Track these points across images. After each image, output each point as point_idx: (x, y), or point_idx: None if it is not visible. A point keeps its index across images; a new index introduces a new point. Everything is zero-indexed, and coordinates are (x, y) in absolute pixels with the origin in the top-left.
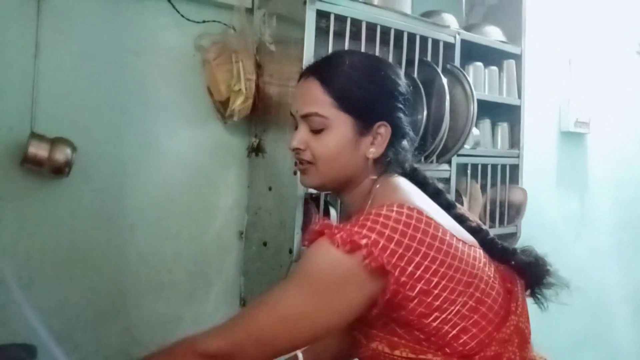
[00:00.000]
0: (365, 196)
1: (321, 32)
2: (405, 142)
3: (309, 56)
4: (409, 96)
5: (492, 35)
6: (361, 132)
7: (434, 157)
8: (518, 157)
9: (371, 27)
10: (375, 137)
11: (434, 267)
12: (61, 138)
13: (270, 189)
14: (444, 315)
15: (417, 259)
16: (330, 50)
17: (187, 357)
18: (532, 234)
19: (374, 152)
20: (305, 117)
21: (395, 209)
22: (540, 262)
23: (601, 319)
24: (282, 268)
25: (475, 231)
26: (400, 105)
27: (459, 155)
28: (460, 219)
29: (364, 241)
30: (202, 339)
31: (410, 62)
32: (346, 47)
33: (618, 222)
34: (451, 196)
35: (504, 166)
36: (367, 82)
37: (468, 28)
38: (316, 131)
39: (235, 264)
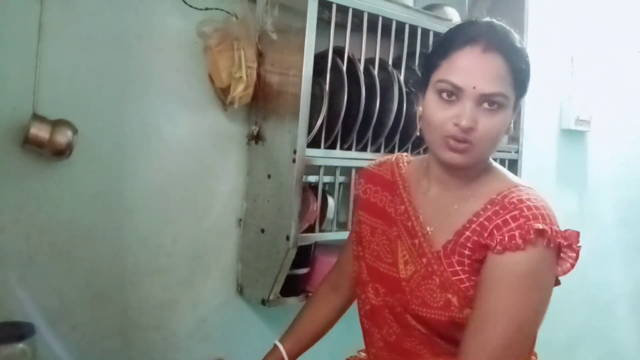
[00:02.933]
0: (479, 171)
1: (322, 23)
2: None
3: (310, 46)
4: None
5: None
6: (514, 110)
7: None
8: (517, 152)
9: (373, 18)
10: (516, 115)
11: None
12: (63, 120)
13: (269, 176)
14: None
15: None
16: (331, 42)
17: None
18: None
19: (511, 128)
20: (487, 96)
21: (537, 195)
22: None
23: (600, 317)
24: (279, 255)
25: None
26: None
27: None
28: None
29: (562, 233)
30: None
31: (411, 55)
32: (347, 39)
33: (618, 221)
34: None
35: (502, 161)
36: (528, 61)
37: None
38: (489, 110)
39: (233, 250)
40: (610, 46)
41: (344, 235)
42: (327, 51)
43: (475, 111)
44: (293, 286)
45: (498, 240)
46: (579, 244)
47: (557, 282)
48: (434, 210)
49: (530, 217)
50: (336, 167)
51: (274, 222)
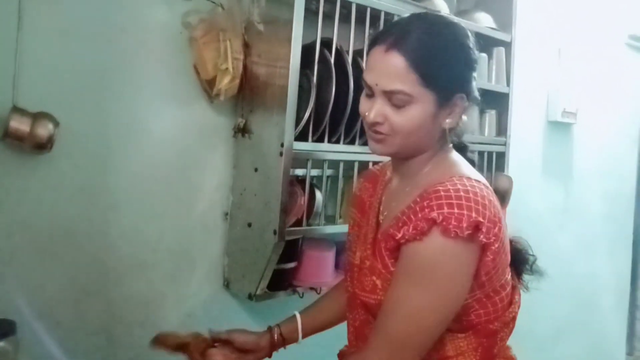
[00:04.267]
0: (427, 162)
1: (310, 14)
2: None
3: (297, 37)
4: (478, 59)
5: (483, 22)
6: (442, 105)
7: None
8: (505, 145)
9: (361, 9)
10: (453, 109)
11: (504, 242)
12: (43, 113)
13: (256, 169)
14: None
15: (499, 233)
16: (319, 33)
17: None
18: (517, 222)
19: (450, 122)
20: (389, 93)
21: (474, 184)
22: (524, 252)
23: (584, 309)
24: (267, 249)
25: None
26: (475, 74)
27: None
28: None
29: (475, 221)
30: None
31: None
32: (335, 30)
33: (603, 213)
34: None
35: (490, 153)
36: (449, 55)
37: (459, 14)
38: (397, 106)
39: (219, 244)
40: (598, 39)
41: (331, 229)
42: (314, 42)
43: (386, 107)
44: (280, 281)
45: (403, 230)
46: (490, 237)
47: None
48: (390, 199)
49: (435, 207)
50: (324, 160)
51: (260, 216)
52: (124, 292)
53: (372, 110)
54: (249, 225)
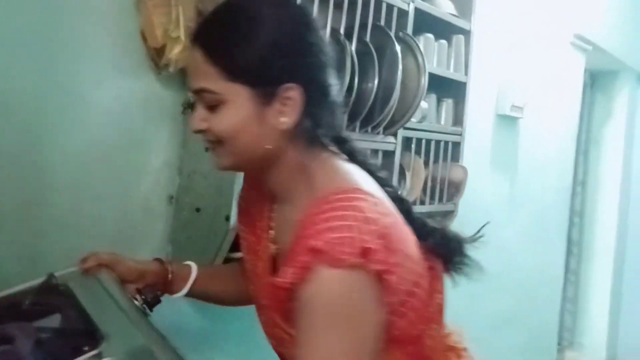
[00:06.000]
0: (293, 174)
1: None
2: (328, 106)
3: None
4: (328, 49)
5: (444, 7)
6: (263, 101)
7: (381, 129)
8: (460, 135)
9: None
10: (285, 104)
11: (408, 262)
12: None
13: (207, 149)
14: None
15: (398, 247)
16: None
17: None
18: (468, 213)
19: (285, 121)
20: (196, 93)
21: (363, 196)
22: (456, 242)
23: (523, 301)
24: (217, 237)
25: (397, 200)
26: (314, 61)
27: (405, 129)
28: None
29: (365, 246)
30: None
31: (363, 27)
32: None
33: (543, 206)
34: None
35: (446, 143)
36: (261, 41)
37: None
38: (211, 107)
39: (163, 231)
40: (545, 37)
41: None
42: None
43: (204, 111)
44: None
45: (289, 275)
46: (387, 259)
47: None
48: (281, 226)
49: (313, 234)
50: None
51: (212, 200)
52: None
53: (194, 118)
54: (198, 210)
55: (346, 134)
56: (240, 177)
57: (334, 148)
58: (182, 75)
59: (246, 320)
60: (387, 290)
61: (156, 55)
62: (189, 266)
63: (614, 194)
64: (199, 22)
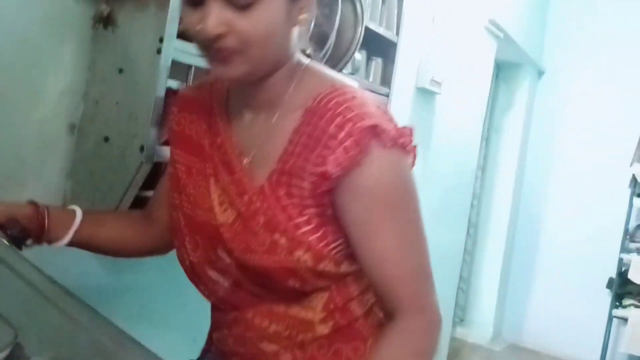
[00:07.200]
0: (286, 81)
1: None
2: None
3: None
4: None
5: None
6: None
7: None
8: (388, 96)
9: None
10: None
11: None
12: None
13: (120, 71)
14: None
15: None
16: None
17: (431, 332)
18: None
19: (306, 18)
20: None
21: (358, 91)
22: None
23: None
24: (128, 170)
25: None
26: None
27: None
28: None
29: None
30: (417, 315)
31: None
32: None
33: (450, 187)
34: None
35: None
36: None
37: None
38: (242, 7)
39: (60, 164)
40: (464, 16)
41: None
42: None
43: (226, 11)
44: None
45: (332, 161)
46: (412, 143)
47: None
48: (250, 137)
49: (358, 119)
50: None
51: (123, 129)
52: None
53: (208, 18)
54: (106, 139)
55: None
56: (159, 100)
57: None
58: None
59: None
60: None
61: None
62: (71, 211)
63: (510, 180)
64: None
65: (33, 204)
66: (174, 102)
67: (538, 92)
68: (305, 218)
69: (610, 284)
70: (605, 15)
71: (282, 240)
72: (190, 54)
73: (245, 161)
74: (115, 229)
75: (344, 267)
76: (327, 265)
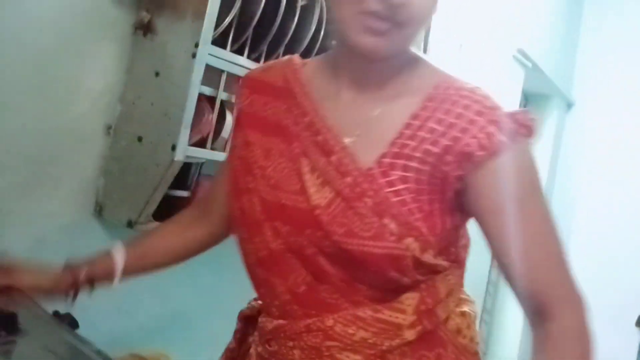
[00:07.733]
0: (402, 65)
1: None
2: None
3: None
4: None
5: None
6: None
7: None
8: None
9: None
10: None
11: None
12: None
13: (157, 74)
14: None
15: None
16: None
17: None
18: None
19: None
20: None
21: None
22: None
23: None
24: (159, 168)
25: None
26: None
27: None
28: None
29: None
30: (573, 306)
31: None
32: None
33: None
34: None
35: None
36: None
37: None
38: None
39: (95, 162)
40: (492, 45)
41: None
42: None
43: None
44: (167, 210)
45: (474, 144)
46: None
47: None
48: (351, 117)
49: (493, 106)
50: (240, 77)
51: (156, 128)
52: None
53: None
54: (139, 139)
55: None
56: (191, 101)
57: None
58: None
59: None
60: None
61: None
62: (109, 255)
63: None
64: None
65: (69, 267)
66: (244, 84)
67: (567, 125)
68: (419, 204)
69: (639, 321)
70: (639, 48)
71: (392, 225)
72: (224, 60)
73: (347, 141)
74: (168, 247)
75: (440, 260)
76: (428, 256)
